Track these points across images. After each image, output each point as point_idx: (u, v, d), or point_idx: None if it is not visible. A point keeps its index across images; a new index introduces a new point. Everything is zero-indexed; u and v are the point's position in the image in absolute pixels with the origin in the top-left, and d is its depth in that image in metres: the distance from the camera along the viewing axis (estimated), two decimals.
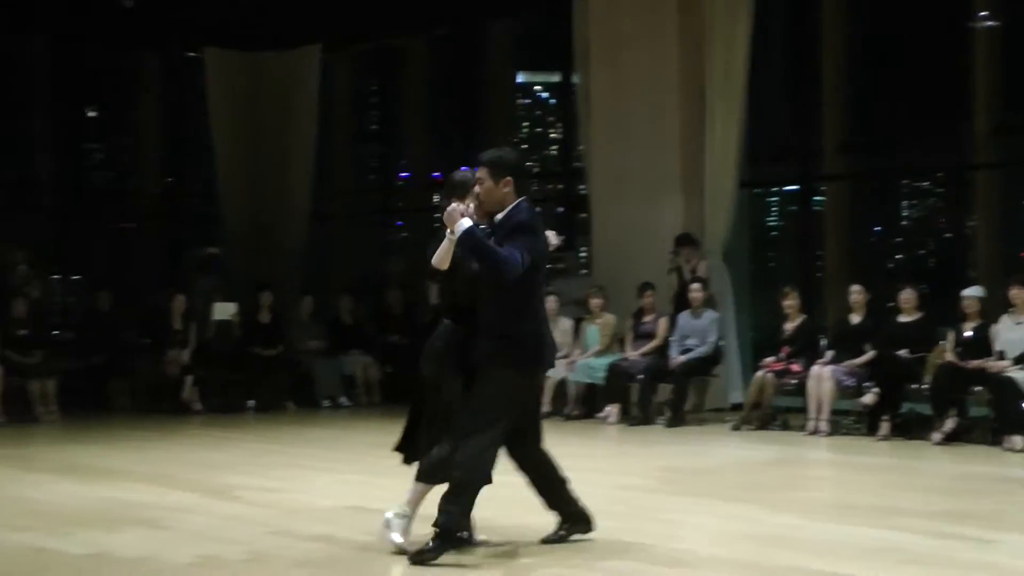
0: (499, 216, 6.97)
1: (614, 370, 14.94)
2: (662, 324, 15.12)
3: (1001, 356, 12.48)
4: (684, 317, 14.95)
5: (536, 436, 7.33)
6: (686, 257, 15.42)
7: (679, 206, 15.96)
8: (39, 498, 9.50)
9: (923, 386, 13.03)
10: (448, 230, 6.80)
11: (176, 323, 16.69)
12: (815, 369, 13.50)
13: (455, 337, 7.12)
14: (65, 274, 20.66)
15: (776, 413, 14.15)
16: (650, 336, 15.16)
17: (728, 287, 15.82)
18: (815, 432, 13.24)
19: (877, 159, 16.50)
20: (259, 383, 16.90)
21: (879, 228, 17.27)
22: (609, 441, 13.74)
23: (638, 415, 14.69)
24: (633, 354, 15.10)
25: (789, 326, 14.33)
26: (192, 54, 20.52)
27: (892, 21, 16.53)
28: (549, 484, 7.32)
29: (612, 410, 14.80)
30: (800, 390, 13.71)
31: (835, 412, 13.47)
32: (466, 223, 6.73)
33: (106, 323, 17.25)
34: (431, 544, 6.70)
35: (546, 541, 7.29)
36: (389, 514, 7.06)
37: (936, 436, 12.48)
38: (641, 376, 14.81)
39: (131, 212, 21.79)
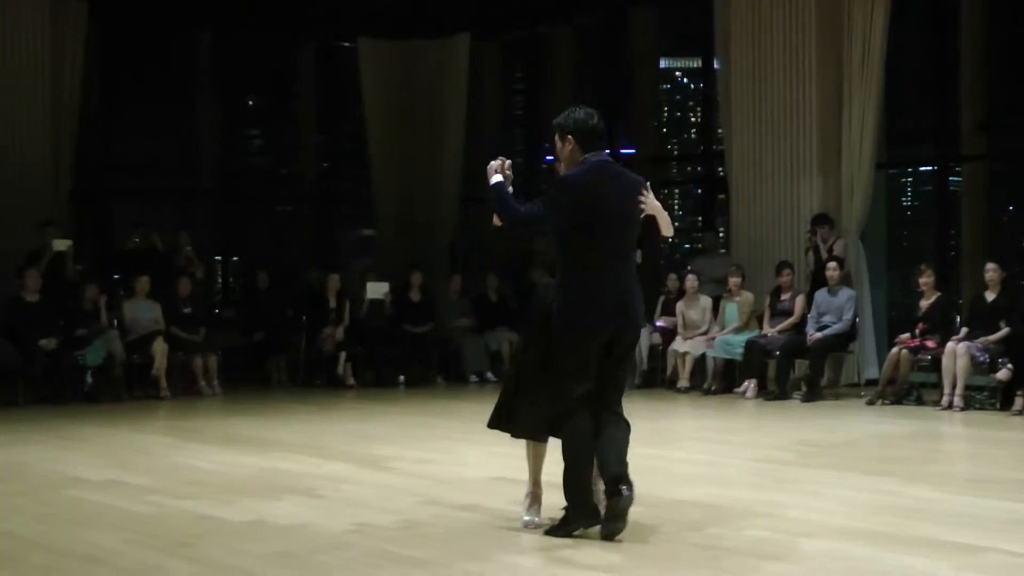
0: None
1: (752, 346, 15.01)
2: (799, 302, 15.13)
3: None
4: (821, 295, 14.95)
5: (603, 401, 6.88)
6: (823, 236, 15.41)
7: (816, 187, 15.93)
8: (202, 467, 9.69)
9: None
10: None
11: (331, 302, 17.03)
12: (950, 345, 13.39)
13: (535, 298, 7.22)
14: (226, 255, 21.16)
15: (911, 388, 14.07)
16: (787, 313, 15.17)
17: (864, 265, 15.74)
18: (949, 407, 13.15)
19: (1015, 139, 16.27)
20: (410, 359, 17.21)
21: (1012, 207, 17.05)
22: (747, 415, 13.74)
23: (775, 390, 14.74)
24: (771, 331, 15.15)
25: (924, 303, 14.23)
26: (346, 44, 20.84)
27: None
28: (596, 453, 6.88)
29: (750, 385, 14.88)
30: (935, 366, 13.68)
31: (969, 387, 13.34)
32: (496, 179, 6.97)
33: (264, 302, 17.62)
34: (560, 524, 6.79)
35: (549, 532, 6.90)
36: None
37: None
38: (778, 352, 14.83)
39: (288, 196, 22.32)
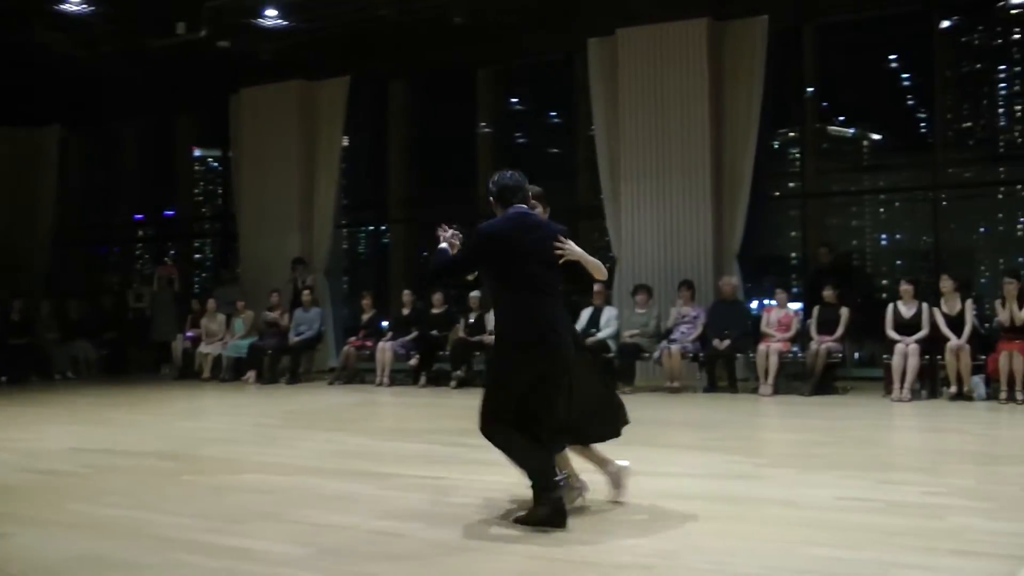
0: None
1: (253, 348, 15.00)
2: (285, 317, 15.27)
3: (491, 332, 13.35)
4: (299, 312, 15.13)
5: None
6: (300, 273, 15.71)
7: (297, 238, 16.21)
8: None
9: (446, 352, 13.70)
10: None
11: None
12: (381, 344, 13.96)
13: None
14: None
15: (358, 373, 14.45)
16: (278, 324, 15.36)
17: (327, 292, 16.13)
18: (382, 384, 13.67)
19: (423, 211, 17.06)
20: (11, 363, 16.10)
21: (426, 253, 17.87)
22: (250, 395, 13.51)
23: (268, 377, 14.78)
24: (267, 337, 15.26)
25: (366, 316, 14.74)
26: None
27: (433, 126, 17.23)
28: None
29: (252, 375, 14.83)
30: (372, 358, 14.08)
31: (394, 371, 13.90)
32: (442, 245, 5.60)
33: None
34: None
35: None
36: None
37: (453, 383, 13.18)
38: (271, 351, 14.93)
39: None
